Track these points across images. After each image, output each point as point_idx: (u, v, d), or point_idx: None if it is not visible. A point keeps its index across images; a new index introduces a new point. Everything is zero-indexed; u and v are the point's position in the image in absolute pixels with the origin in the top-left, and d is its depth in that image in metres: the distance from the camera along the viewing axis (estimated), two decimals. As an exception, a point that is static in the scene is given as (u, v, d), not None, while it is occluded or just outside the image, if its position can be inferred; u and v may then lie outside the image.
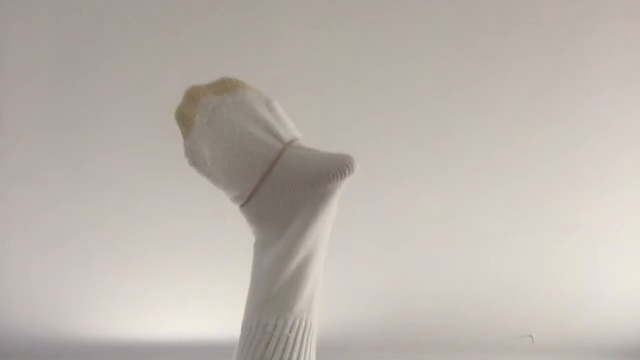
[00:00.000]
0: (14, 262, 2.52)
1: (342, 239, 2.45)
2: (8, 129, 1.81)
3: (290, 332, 0.65)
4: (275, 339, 0.64)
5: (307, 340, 0.66)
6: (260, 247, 0.75)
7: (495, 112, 1.85)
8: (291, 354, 0.64)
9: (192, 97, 0.77)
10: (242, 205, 0.80)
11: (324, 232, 0.74)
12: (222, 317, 3.16)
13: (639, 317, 3.29)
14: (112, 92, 1.70)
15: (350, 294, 2.93)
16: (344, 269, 2.69)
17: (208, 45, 1.57)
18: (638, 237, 2.54)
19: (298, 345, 0.65)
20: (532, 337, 3.46)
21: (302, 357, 0.64)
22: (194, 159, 0.75)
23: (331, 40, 1.58)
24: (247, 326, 0.69)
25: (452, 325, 3.34)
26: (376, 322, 3.24)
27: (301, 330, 0.66)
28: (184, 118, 0.77)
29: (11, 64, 1.59)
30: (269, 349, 0.64)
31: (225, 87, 0.78)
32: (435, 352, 3.58)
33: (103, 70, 1.63)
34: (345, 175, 0.71)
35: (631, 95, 1.81)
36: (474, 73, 1.69)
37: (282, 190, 0.72)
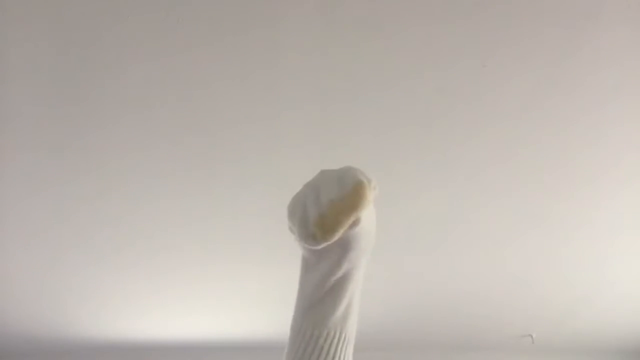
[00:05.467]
0: (17, 262, 2.53)
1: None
2: (12, 133, 1.82)
3: (324, 342, 0.77)
4: (311, 347, 0.77)
5: (340, 349, 0.78)
6: (306, 263, 0.87)
7: (500, 113, 1.86)
8: None
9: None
10: None
11: (360, 257, 0.87)
12: (224, 317, 3.16)
13: (639, 317, 3.29)
14: (115, 96, 1.71)
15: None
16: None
17: (208, 49, 1.58)
18: (638, 238, 2.55)
19: (331, 355, 0.77)
20: (532, 337, 3.46)
21: None
22: None
23: (331, 46, 1.58)
24: (293, 329, 0.81)
25: (451, 325, 3.35)
26: (375, 322, 3.25)
27: (335, 341, 0.78)
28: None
29: (12, 66, 1.60)
30: (305, 355, 0.77)
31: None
32: (434, 352, 3.59)
33: (104, 73, 1.64)
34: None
35: (634, 97, 1.82)
36: (478, 76, 1.70)
37: None
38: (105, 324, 3.16)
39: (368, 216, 0.83)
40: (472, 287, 2.92)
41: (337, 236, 0.78)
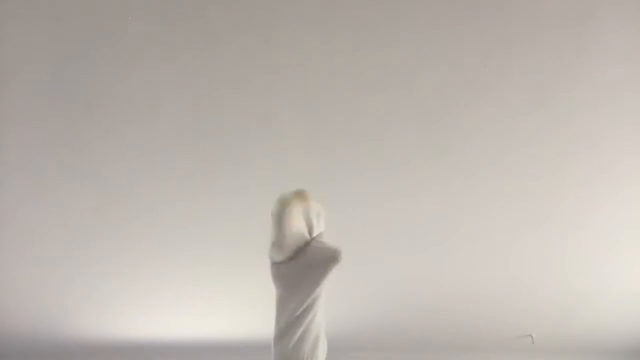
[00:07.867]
0: (19, 263, 2.54)
1: (343, 239, 2.46)
2: (16, 136, 1.82)
3: None
4: None
5: None
6: (279, 303, 1.31)
7: (500, 114, 1.86)
8: None
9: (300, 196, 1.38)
10: (280, 264, 1.41)
11: (321, 295, 1.28)
12: (222, 318, 3.17)
13: (639, 317, 3.30)
14: (116, 101, 1.71)
15: (350, 295, 2.94)
16: (344, 269, 2.70)
17: (208, 46, 1.58)
18: (638, 238, 2.55)
19: None
20: (532, 337, 3.47)
21: None
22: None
23: (331, 47, 1.59)
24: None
25: (452, 325, 3.35)
26: (376, 322, 3.25)
27: None
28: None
29: (15, 69, 1.60)
30: None
31: (305, 197, 1.40)
32: (435, 352, 3.59)
33: (106, 76, 1.64)
34: (336, 263, 1.34)
35: (633, 99, 1.82)
36: (478, 76, 1.70)
37: (301, 264, 1.35)
38: (105, 325, 3.16)
39: (316, 244, 1.30)
40: (472, 287, 2.92)
41: (283, 246, 1.17)
